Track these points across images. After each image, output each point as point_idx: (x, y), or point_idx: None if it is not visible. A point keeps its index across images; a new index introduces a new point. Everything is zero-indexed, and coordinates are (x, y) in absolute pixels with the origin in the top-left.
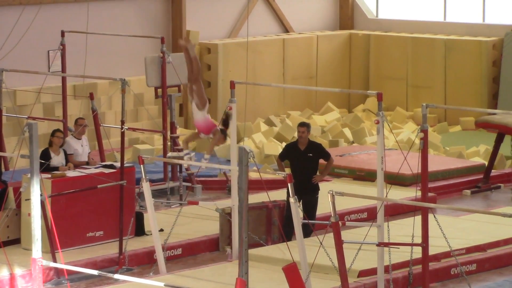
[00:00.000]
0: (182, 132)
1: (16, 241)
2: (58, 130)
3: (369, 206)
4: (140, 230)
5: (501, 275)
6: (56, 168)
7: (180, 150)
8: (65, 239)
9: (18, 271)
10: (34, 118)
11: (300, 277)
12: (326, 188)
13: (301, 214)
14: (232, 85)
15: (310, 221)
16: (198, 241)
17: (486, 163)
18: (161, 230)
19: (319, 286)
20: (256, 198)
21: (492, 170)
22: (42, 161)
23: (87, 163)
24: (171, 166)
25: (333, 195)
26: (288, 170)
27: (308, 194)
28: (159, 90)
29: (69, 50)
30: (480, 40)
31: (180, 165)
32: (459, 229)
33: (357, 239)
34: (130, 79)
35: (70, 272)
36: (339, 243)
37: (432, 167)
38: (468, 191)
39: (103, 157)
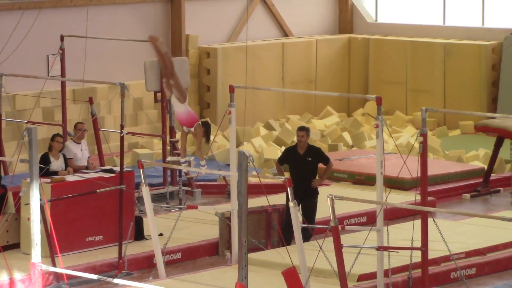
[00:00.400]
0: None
1: (15, 246)
2: (58, 134)
3: (369, 210)
4: (139, 235)
5: (500, 279)
6: (56, 173)
7: (179, 154)
8: (64, 244)
9: (18, 275)
10: (33, 123)
11: (300, 281)
12: (325, 192)
13: (300, 218)
14: (232, 89)
15: (309, 225)
16: (198, 245)
17: (486, 167)
18: (161, 234)
19: None
20: (255, 202)
21: (492, 174)
22: (42, 165)
23: (87, 168)
24: (170, 170)
25: (332, 199)
26: (287, 174)
27: (307, 198)
28: (159, 95)
29: (69, 55)
30: (479, 44)
31: (180, 170)
32: (459, 233)
33: (357, 243)
34: (129, 84)
35: (69, 277)
36: (338, 247)
37: (432, 171)
38: (467, 195)
39: (103, 162)
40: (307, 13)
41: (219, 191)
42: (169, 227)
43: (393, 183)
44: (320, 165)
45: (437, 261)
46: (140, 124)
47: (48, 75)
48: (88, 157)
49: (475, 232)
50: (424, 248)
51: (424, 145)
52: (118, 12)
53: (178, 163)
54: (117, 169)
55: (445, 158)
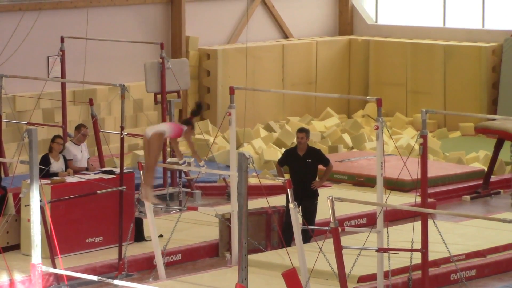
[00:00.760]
0: (181, 138)
1: (15, 247)
2: (58, 136)
3: (369, 212)
4: (139, 236)
5: (500, 281)
6: (56, 174)
7: None
8: (64, 245)
9: (18, 277)
10: (33, 124)
11: (300, 283)
12: (325, 194)
13: (300, 220)
14: (232, 90)
15: (309, 227)
16: (198, 247)
17: (486, 168)
18: (161, 235)
19: None
20: (255, 203)
21: (492, 176)
22: (42, 167)
23: (87, 169)
24: (170, 171)
25: (332, 201)
26: (287, 176)
27: (307, 200)
28: (159, 96)
29: (69, 56)
30: (479, 46)
31: (180, 171)
32: (459, 234)
33: (357, 245)
34: (129, 85)
35: (69, 278)
36: (338, 249)
37: (432, 172)
38: (467, 197)
39: (103, 163)
40: (307, 15)
41: (219, 192)
42: (169, 229)
43: (393, 185)
44: (320, 166)
45: (437, 263)
46: (140, 125)
47: (48, 77)
48: (88, 159)
49: (475, 233)
50: (424, 249)
51: (424, 146)
52: (118, 13)
53: (178, 164)
54: (117, 170)
55: (445, 160)
